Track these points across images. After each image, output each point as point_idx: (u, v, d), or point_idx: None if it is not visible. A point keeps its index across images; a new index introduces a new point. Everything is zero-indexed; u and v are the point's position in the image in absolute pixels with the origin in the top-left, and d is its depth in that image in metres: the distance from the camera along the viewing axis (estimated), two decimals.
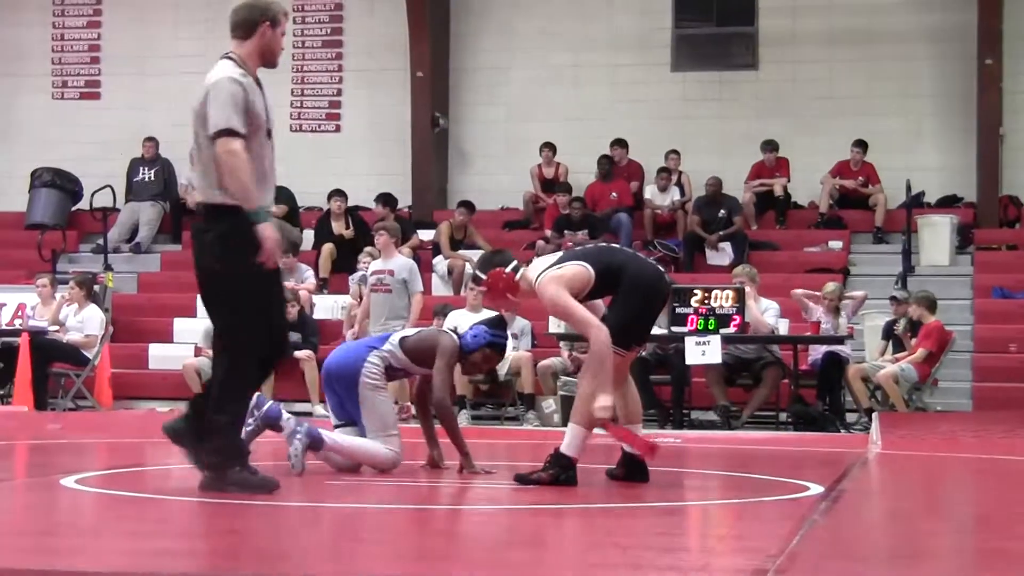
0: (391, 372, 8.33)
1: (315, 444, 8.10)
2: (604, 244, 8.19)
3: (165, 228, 20.08)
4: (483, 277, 7.79)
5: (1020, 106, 18.98)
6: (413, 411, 13.79)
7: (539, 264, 7.88)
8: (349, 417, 8.31)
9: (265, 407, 8.38)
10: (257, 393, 7.90)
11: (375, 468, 8.15)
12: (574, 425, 7.71)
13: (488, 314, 14.46)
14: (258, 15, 7.37)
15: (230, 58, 7.24)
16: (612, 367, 7.58)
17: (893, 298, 14.95)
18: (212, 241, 7.09)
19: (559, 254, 8.03)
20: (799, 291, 14.62)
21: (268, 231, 6.91)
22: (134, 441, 11.55)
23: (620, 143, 19.32)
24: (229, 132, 7.05)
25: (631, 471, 7.96)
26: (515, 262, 7.89)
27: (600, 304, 7.93)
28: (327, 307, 16.74)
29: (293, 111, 20.62)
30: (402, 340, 8.32)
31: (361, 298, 15.36)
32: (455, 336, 8.35)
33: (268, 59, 7.30)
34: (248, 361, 7.01)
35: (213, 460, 6.99)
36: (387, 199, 18.10)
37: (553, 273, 7.70)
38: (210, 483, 6.98)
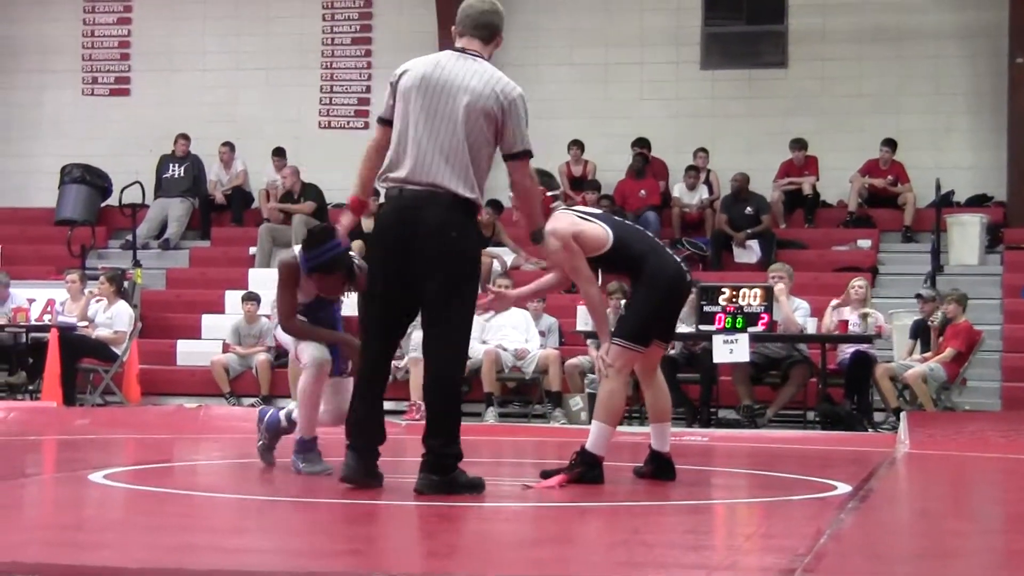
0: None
1: (278, 432, 8.27)
2: (639, 228, 8.12)
3: (194, 224, 20.13)
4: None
5: None
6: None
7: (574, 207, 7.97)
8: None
9: (265, 418, 8.42)
10: (260, 407, 8.05)
11: (313, 392, 8.03)
12: (598, 423, 7.71)
13: (516, 312, 14.55)
14: (501, 24, 7.37)
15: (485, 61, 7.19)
16: (603, 313, 7.69)
17: (919, 296, 14.88)
18: (471, 232, 7.13)
19: (598, 211, 8.10)
20: (829, 315, 14.38)
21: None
22: (162, 437, 11.60)
23: (642, 142, 19.28)
24: (530, 155, 7.15)
25: (659, 469, 7.96)
26: (559, 191, 7.87)
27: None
28: (354, 303, 16.74)
29: (322, 108, 20.67)
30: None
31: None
32: (294, 253, 8.02)
33: None
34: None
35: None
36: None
37: (574, 218, 7.73)
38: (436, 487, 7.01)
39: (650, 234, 8.09)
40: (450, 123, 7.01)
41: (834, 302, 14.41)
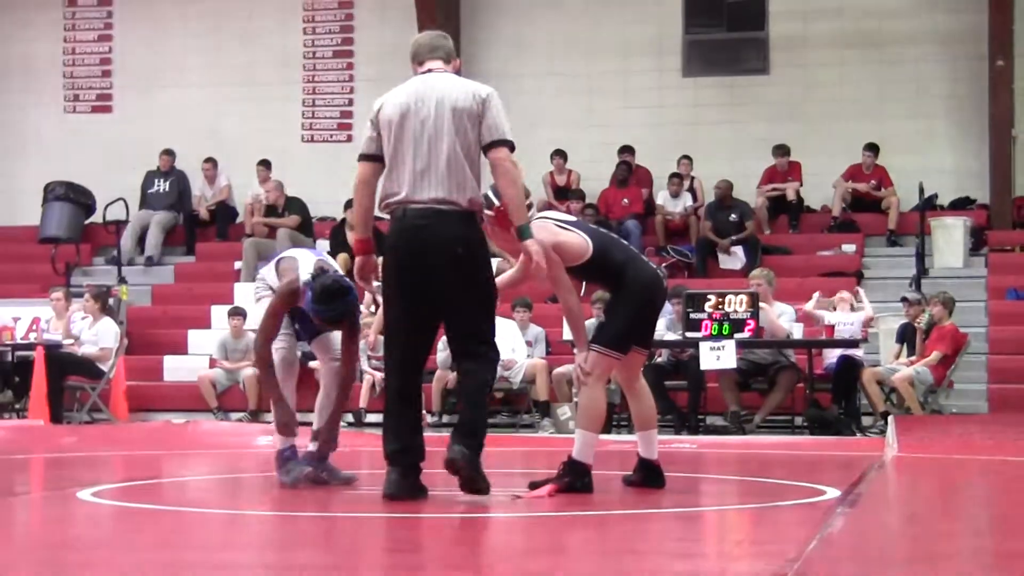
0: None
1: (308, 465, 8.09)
2: (615, 236, 8.15)
3: (178, 240, 20.11)
4: (496, 203, 7.51)
5: None
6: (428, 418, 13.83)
7: (551, 214, 7.93)
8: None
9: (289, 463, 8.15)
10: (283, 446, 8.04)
11: (276, 384, 8.09)
12: (581, 431, 7.73)
13: (502, 322, 14.54)
14: (452, 47, 7.59)
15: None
16: (582, 322, 7.72)
17: (905, 299, 14.93)
18: (477, 240, 7.21)
19: (573, 219, 8.11)
20: (809, 306, 14.51)
21: (535, 246, 7.20)
22: (151, 453, 11.57)
23: (627, 150, 19.33)
24: (511, 144, 7.23)
25: (648, 477, 7.96)
26: (530, 198, 7.91)
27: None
28: None
29: (304, 121, 20.67)
30: (278, 262, 8.25)
31: (376, 305, 15.38)
32: (299, 279, 7.94)
33: None
34: None
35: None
36: None
37: (554, 228, 7.73)
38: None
39: (625, 242, 8.11)
40: (441, 137, 7.17)
41: (816, 294, 14.54)
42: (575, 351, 7.84)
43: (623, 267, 7.73)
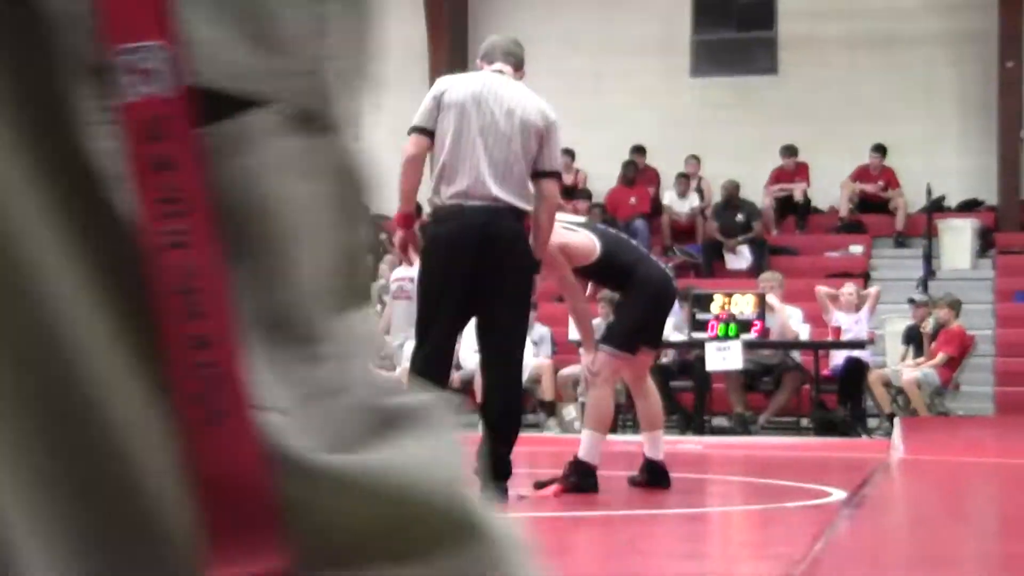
0: None
1: None
2: (624, 236, 8.15)
3: None
4: None
5: None
6: None
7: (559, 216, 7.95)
8: None
9: None
10: None
11: None
12: (588, 431, 7.73)
13: None
14: (524, 57, 7.53)
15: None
16: (589, 323, 7.69)
17: (912, 301, 14.92)
18: (529, 245, 7.19)
19: (581, 219, 8.12)
20: (821, 288, 14.67)
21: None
22: None
23: (637, 150, 19.33)
24: (560, 178, 7.37)
25: (653, 477, 7.95)
26: None
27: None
28: None
29: None
30: None
31: (381, 304, 15.41)
32: None
33: None
34: None
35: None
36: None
37: (559, 229, 7.74)
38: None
39: (634, 242, 8.10)
40: (507, 138, 7.11)
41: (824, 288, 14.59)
42: (582, 352, 7.83)
43: (632, 267, 7.72)
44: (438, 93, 7.19)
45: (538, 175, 7.15)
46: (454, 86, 7.20)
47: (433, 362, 7.24)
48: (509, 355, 7.24)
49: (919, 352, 14.56)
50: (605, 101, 20.04)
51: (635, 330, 7.74)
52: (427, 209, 7.41)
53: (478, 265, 7.03)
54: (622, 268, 7.73)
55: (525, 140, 7.10)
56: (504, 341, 7.21)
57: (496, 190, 7.03)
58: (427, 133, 7.16)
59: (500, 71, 7.30)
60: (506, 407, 7.26)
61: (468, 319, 7.27)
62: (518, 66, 7.40)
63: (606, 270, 7.74)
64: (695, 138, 19.55)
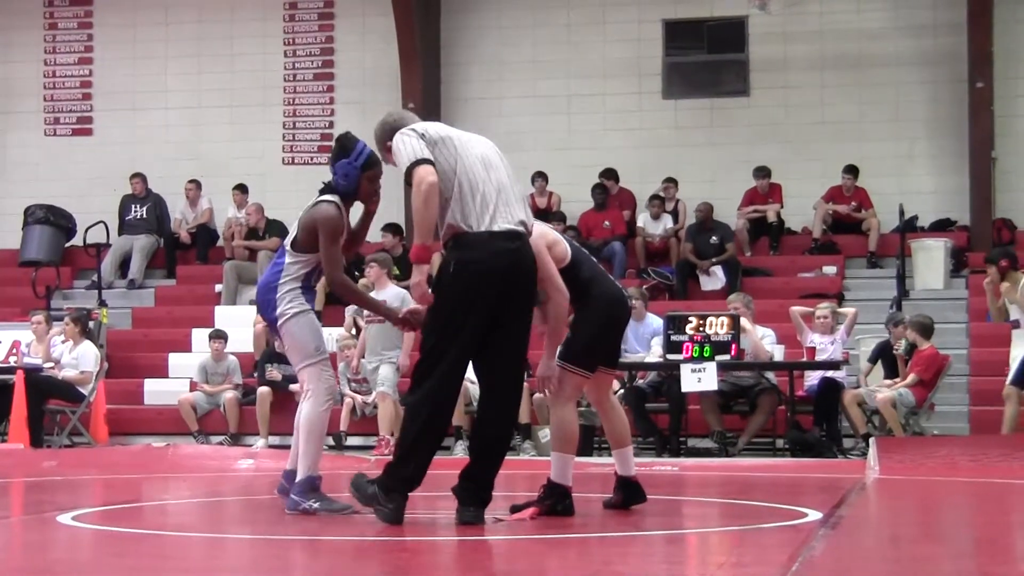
0: (307, 279, 7.84)
1: (298, 492, 7.85)
2: (586, 252, 8.13)
3: (159, 263, 20.07)
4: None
5: (1012, 129, 19.03)
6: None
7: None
8: None
9: (295, 486, 7.89)
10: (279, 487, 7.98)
11: (324, 422, 7.76)
12: (556, 453, 7.75)
13: None
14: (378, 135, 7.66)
15: None
16: (563, 327, 7.71)
17: (900, 322, 14.91)
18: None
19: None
20: (796, 308, 14.71)
21: None
22: (131, 477, 11.54)
23: (610, 173, 19.35)
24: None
25: (628, 495, 7.96)
26: None
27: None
28: None
29: (285, 144, 20.66)
30: (292, 242, 7.88)
31: (356, 329, 15.40)
32: (332, 200, 7.82)
33: None
34: None
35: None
36: (395, 229, 18.02)
37: (544, 229, 7.78)
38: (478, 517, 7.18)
39: (594, 259, 8.09)
40: (497, 165, 7.30)
41: (797, 308, 14.63)
42: (542, 361, 7.76)
43: (588, 283, 7.80)
44: (418, 132, 7.24)
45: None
46: (430, 126, 7.35)
47: (450, 396, 7.20)
48: (517, 388, 7.38)
49: (892, 372, 14.60)
50: (578, 124, 20.07)
51: (591, 346, 7.79)
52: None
53: (508, 292, 7.13)
54: (580, 282, 7.79)
55: (506, 168, 7.40)
56: (516, 373, 7.35)
57: (517, 214, 7.24)
58: (432, 163, 7.14)
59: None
60: (507, 438, 7.35)
61: (480, 346, 7.21)
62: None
63: (568, 281, 7.78)
64: (668, 160, 19.60)
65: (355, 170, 7.79)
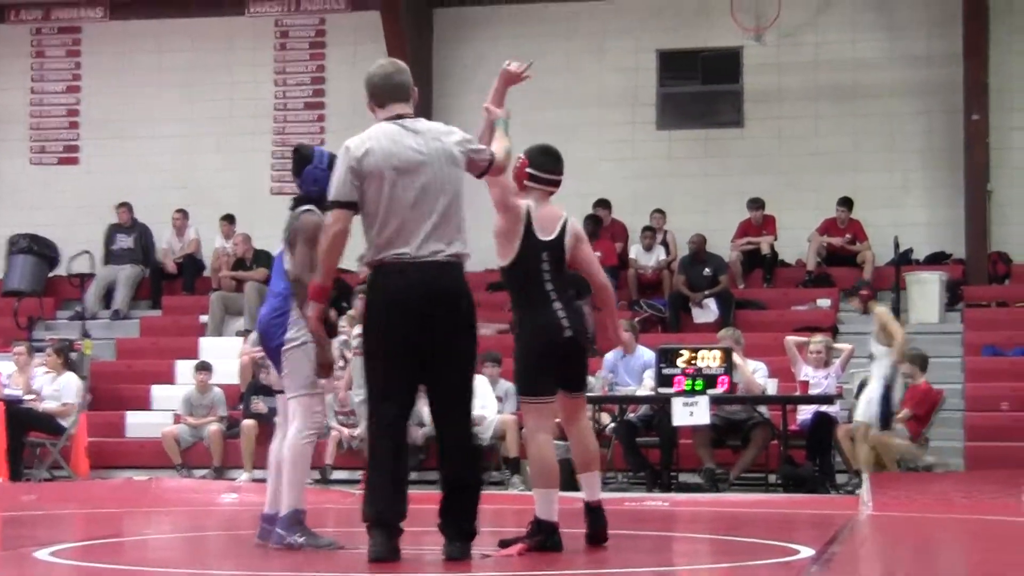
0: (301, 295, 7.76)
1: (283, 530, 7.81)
2: (543, 281, 7.99)
3: (143, 294, 20.03)
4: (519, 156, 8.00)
5: (1007, 161, 19.05)
6: None
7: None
8: None
9: (280, 522, 7.87)
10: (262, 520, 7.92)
11: (308, 457, 7.76)
12: (537, 489, 7.70)
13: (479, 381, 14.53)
14: (410, 79, 7.60)
15: None
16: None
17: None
18: (471, 298, 7.32)
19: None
20: (791, 338, 14.68)
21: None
22: (112, 511, 11.47)
23: (603, 203, 19.34)
24: (496, 164, 7.77)
25: (590, 520, 7.88)
26: (543, 167, 8.20)
27: None
28: None
29: (274, 173, 20.64)
30: (280, 256, 7.98)
31: (344, 360, 15.34)
32: (310, 209, 7.86)
33: None
34: None
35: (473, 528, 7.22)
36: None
37: (521, 212, 7.86)
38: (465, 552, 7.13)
39: (547, 288, 7.84)
40: (441, 188, 7.21)
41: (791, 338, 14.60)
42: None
43: (521, 309, 7.79)
44: (353, 163, 7.24)
45: (481, 176, 7.66)
46: (369, 151, 7.26)
47: (393, 429, 7.18)
48: (467, 418, 7.29)
49: (885, 407, 14.53)
50: (571, 154, 19.70)
51: (530, 375, 7.74)
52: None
53: (429, 324, 7.09)
54: (515, 302, 7.81)
55: (451, 182, 7.36)
56: (462, 405, 7.26)
57: (439, 244, 7.19)
58: (349, 206, 7.19)
59: (399, 115, 7.41)
60: (478, 469, 7.35)
61: (421, 379, 7.22)
62: (408, 98, 7.53)
63: (508, 287, 7.86)
64: (661, 191, 19.61)
65: (324, 173, 7.82)
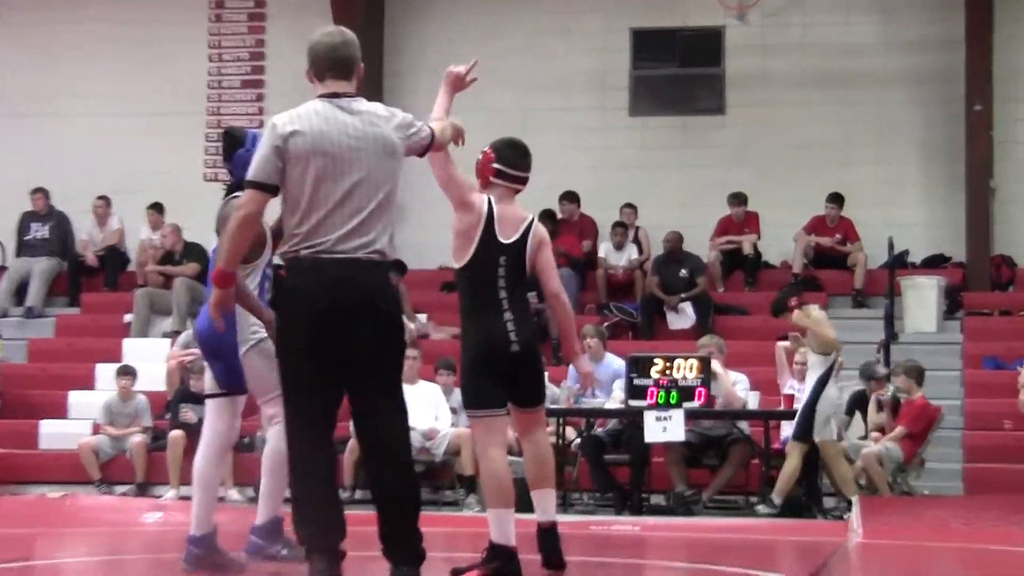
0: (260, 290, 7.85)
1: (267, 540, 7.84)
2: (497, 288, 7.97)
3: (61, 289, 19.88)
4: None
5: (1012, 155, 19.13)
6: None
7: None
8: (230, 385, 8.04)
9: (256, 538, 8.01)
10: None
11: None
12: (491, 510, 7.67)
13: (424, 386, 14.47)
14: (358, 54, 7.49)
15: None
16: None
17: (871, 377, 14.84)
18: (397, 297, 7.30)
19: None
20: (782, 343, 14.61)
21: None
22: (20, 532, 11.36)
23: (570, 196, 19.28)
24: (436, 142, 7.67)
25: (542, 543, 7.86)
26: (510, 163, 8.24)
27: None
28: None
29: (208, 159, 20.52)
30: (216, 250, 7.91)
31: None
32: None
33: None
34: None
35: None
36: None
37: (483, 209, 7.92)
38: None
39: (502, 295, 7.85)
40: (362, 182, 7.06)
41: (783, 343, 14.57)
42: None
43: (466, 317, 7.82)
44: (279, 142, 7.14)
45: (423, 155, 7.58)
46: (297, 132, 7.16)
47: (313, 441, 7.11)
48: (397, 427, 7.15)
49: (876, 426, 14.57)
50: (534, 142, 19.56)
51: (474, 388, 7.78)
52: None
53: (344, 325, 7.02)
54: (463, 308, 7.85)
55: (384, 174, 7.23)
56: (389, 412, 7.12)
57: (359, 240, 7.08)
58: (268, 189, 7.11)
59: (335, 94, 7.28)
60: (411, 482, 7.22)
61: (343, 384, 7.11)
62: (350, 74, 7.41)
63: (459, 290, 7.90)
64: (634, 184, 19.59)
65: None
